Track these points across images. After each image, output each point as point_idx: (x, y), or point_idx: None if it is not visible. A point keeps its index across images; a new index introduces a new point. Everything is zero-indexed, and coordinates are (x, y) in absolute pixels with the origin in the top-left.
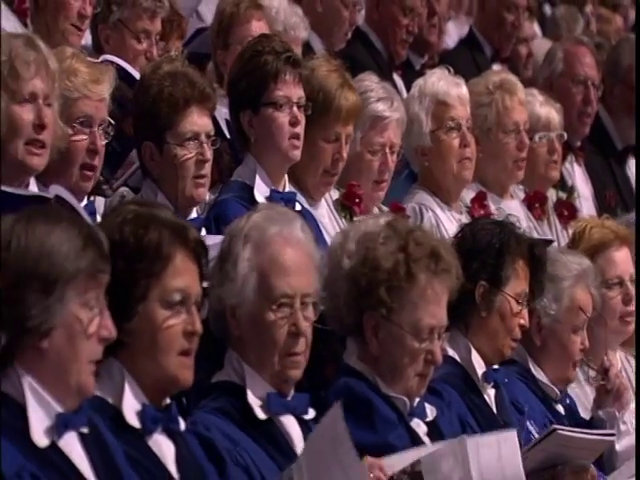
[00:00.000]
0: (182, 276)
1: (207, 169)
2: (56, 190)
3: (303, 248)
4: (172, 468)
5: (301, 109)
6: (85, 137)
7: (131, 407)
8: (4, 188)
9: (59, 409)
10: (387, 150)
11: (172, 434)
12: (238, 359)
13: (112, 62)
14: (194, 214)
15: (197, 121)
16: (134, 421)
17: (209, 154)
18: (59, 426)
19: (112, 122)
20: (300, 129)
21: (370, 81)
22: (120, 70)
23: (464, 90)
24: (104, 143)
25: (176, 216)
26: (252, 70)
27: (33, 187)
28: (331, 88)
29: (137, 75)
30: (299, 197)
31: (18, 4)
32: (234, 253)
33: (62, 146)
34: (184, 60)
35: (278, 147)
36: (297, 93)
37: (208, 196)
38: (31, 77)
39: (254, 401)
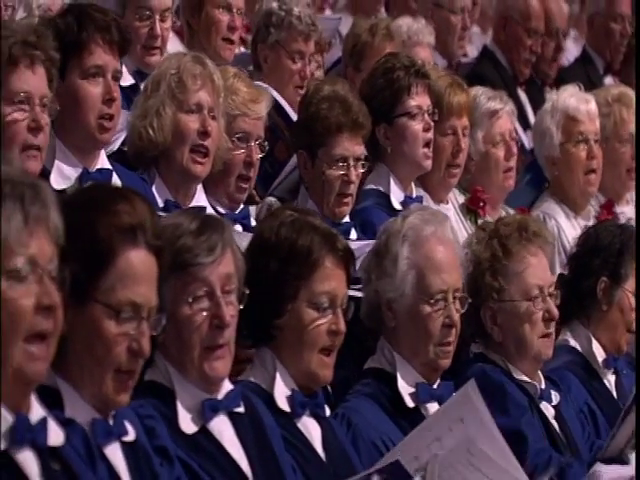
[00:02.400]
0: (330, 280)
1: (352, 189)
2: None
3: (452, 247)
4: (319, 449)
5: (430, 116)
6: (242, 151)
7: (282, 392)
8: None
9: (205, 395)
10: (507, 138)
11: (318, 418)
12: (390, 349)
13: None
14: (346, 220)
15: (347, 146)
16: (284, 405)
17: (354, 176)
18: (206, 411)
19: (265, 144)
20: (432, 134)
21: (477, 88)
22: (279, 108)
23: (593, 106)
24: (259, 157)
25: (327, 224)
26: (385, 86)
27: (201, 195)
28: (441, 87)
29: (285, 105)
30: (426, 200)
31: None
32: (392, 251)
33: (226, 157)
34: (345, 83)
35: (413, 155)
36: (426, 102)
37: None
38: (197, 89)
39: (404, 389)
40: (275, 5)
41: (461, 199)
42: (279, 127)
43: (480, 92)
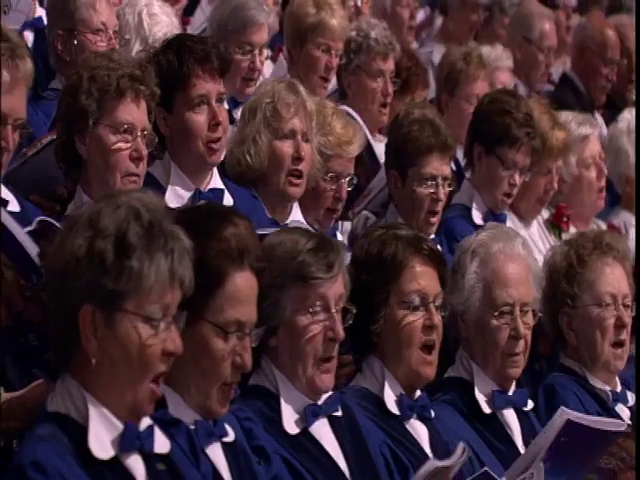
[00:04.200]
0: (418, 280)
1: (440, 207)
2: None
3: (522, 262)
4: (427, 448)
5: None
6: (333, 187)
7: (391, 396)
8: None
9: (307, 400)
10: (598, 160)
11: (424, 420)
12: (467, 357)
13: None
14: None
15: (436, 166)
16: (394, 408)
17: (442, 195)
18: (308, 416)
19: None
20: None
21: (567, 113)
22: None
23: None
24: (348, 190)
25: (414, 231)
26: (496, 115)
27: (297, 212)
28: (545, 129)
29: (372, 141)
30: (510, 217)
31: (276, 54)
32: (463, 266)
33: (318, 176)
34: (433, 107)
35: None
36: (524, 160)
37: None
38: (291, 117)
39: (480, 396)
40: (354, 34)
41: (545, 215)
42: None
43: (570, 118)
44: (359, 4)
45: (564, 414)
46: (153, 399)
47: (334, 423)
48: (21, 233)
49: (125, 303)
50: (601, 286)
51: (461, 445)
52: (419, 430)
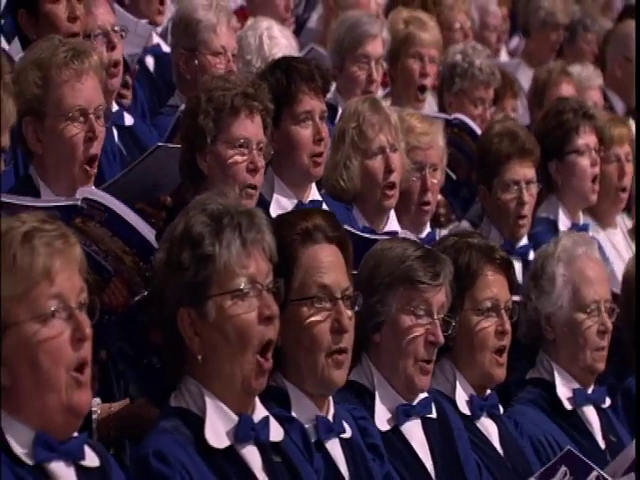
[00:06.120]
0: (491, 287)
1: (527, 210)
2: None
3: (600, 264)
4: (497, 446)
5: (596, 153)
6: (418, 180)
7: (462, 397)
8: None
9: (401, 399)
10: None
11: (494, 418)
12: (548, 360)
13: (460, 119)
14: (524, 241)
15: (517, 170)
16: (465, 409)
17: (527, 197)
18: (400, 415)
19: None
20: (598, 170)
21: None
22: (465, 125)
23: None
24: (434, 182)
25: (486, 240)
26: (557, 126)
27: (393, 221)
28: (603, 122)
29: (478, 130)
30: (593, 227)
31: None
32: (549, 271)
33: (408, 177)
34: (515, 120)
35: (582, 189)
36: (594, 140)
37: None
38: (377, 134)
39: (562, 394)
40: (459, 57)
41: (629, 224)
42: (471, 149)
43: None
44: (467, 27)
45: None
46: (261, 372)
47: (426, 425)
48: (136, 220)
49: (209, 289)
50: None
51: (567, 448)
52: (489, 428)
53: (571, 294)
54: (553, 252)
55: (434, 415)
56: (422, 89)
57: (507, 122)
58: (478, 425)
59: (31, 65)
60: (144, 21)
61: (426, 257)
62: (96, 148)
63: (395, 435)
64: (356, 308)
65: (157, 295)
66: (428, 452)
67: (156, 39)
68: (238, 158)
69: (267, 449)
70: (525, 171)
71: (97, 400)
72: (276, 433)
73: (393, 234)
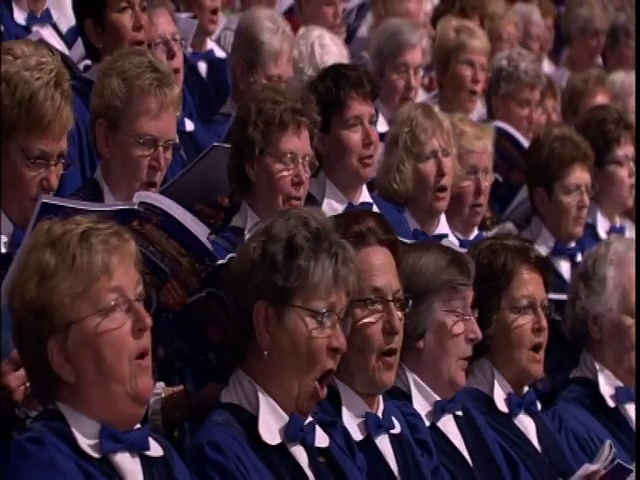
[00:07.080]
0: (527, 286)
1: (585, 213)
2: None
3: None
4: (535, 443)
5: (632, 163)
6: (472, 183)
7: (500, 395)
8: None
9: (436, 397)
10: None
11: (532, 414)
12: (592, 359)
13: (502, 128)
14: (573, 243)
15: (579, 175)
16: (503, 407)
17: (587, 201)
18: (437, 411)
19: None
20: (634, 180)
21: None
22: (506, 134)
23: None
24: (487, 185)
25: (522, 241)
26: (598, 136)
27: (444, 224)
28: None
29: (518, 137)
30: (630, 229)
31: (430, 83)
32: (600, 273)
33: (460, 181)
34: (569, 126)
35: (620, 197)
36: (632, 151)
37: None
38: (429, 139)
39: (606, 392)
40: (505, 62)
41: None
42: (513, 156)
43: None
44: (514, 37)
45: None
46: (315, 397)
47: (457, 420)
48: (191, 222)
49: (294, 299)
50: None
51: (608, 442)
52: (527, 425)
53: (620, 297)
54: (604, 254)
55: (460, 413)
56: (472, 94)
57: (563, 127)
58: (516, 422)
59: (117, 75)
60: (185, 15)
61: (456, 259)
62: (158, 177)
63: (434, 431)
64: (406, 310)
65: (236, 280)
66: (464, 446)
67: (210, 44)
68: (285, 172)
69: (312, 450)
70: (585, 175)
71: (161, 384)
72: (321, 439)
73: (443, 237)
